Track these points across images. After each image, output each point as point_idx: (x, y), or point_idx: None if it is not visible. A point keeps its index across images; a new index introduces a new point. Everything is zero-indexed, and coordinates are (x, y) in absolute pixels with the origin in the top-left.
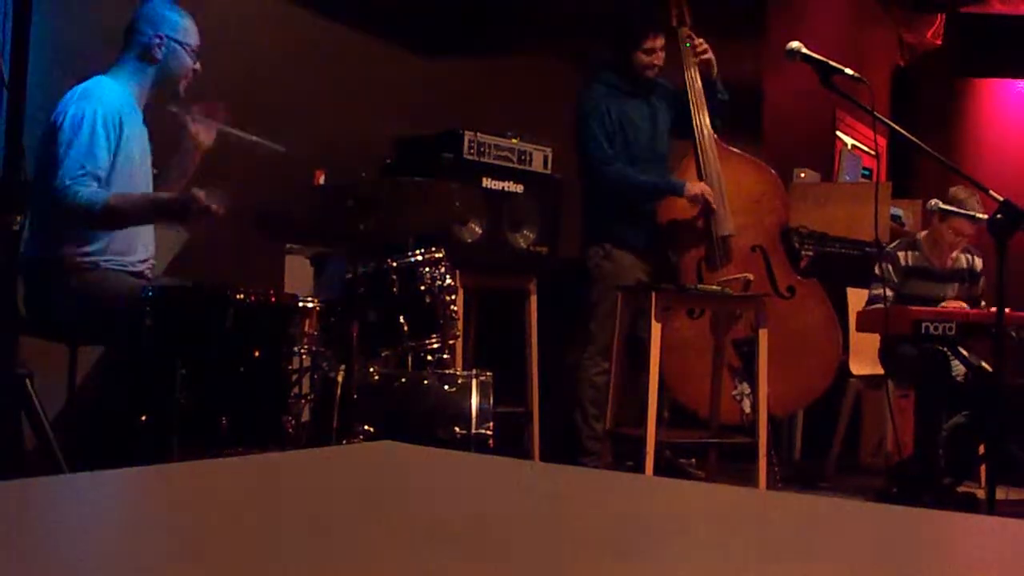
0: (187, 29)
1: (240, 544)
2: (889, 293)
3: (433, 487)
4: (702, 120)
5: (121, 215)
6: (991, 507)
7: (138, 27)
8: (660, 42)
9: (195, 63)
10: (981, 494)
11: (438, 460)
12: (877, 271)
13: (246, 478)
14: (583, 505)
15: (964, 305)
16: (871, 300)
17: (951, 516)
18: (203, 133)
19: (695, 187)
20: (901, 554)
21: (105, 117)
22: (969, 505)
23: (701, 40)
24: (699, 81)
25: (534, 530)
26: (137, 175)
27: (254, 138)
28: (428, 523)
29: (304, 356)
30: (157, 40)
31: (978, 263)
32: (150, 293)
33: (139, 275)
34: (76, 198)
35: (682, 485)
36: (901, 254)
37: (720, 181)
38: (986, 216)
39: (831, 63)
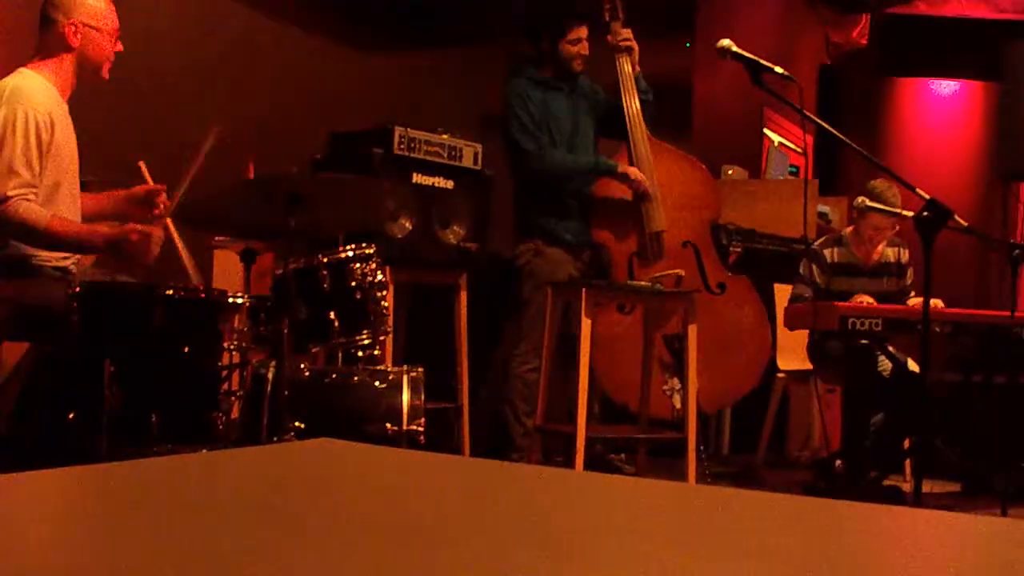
0: (103, 12)
1: (185, 543)
2: (808, 294)
3: (371, 484)
4: (632, 105)
5: (55, 241)
6: (918, 500)
7: (50, 15)
8: (584, 31)
9: (116, 45)
10: (906, 487)
11: (374, 457)
12: (802, 270)
13: (186, 476)
14: (523, 501)
15: (872, 300)
16: (793, 299)
17: (878, 509)
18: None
19: (628, 167)
20: (830, 546)
21: (37, 120)
22: (895, 498)
23: (628, 31)
24: (629, 67)
25: (473, 526)
26: (64, 173)
27: (181, 248)
28: (368, 519)
29: (234, 352)
30: (72, 28)
31: (904, 255)
32: (77, 289)
33: (64, 271)
34: (15, 214)
35: (617, 481)
36: (827, 251)
37: (652, 175)
38: (911, 213)
39: (761, 61)
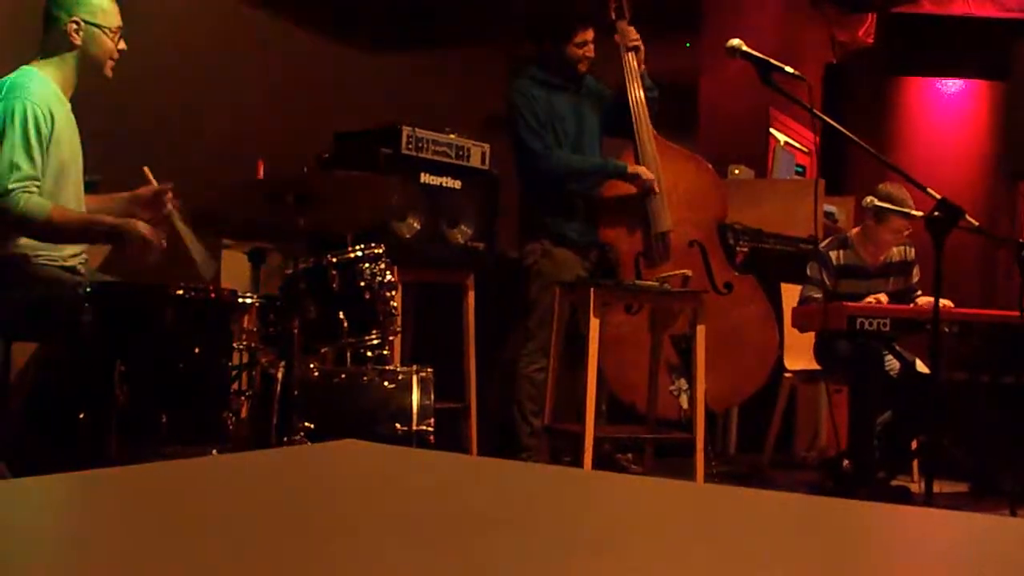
0: (106, 11)
1: (221, 545)
2: (818, 295)
3: (401, 485)
4: (638, 98)
5: (58, 231)
6: (929, 500)
7: (52, 13)
8: (591, 35)
9: (118, 44)
10: (914, 487)
11: (401, 458)
12: (810, 272)
13: (215, 479)
14: (560, 502)
15: (884, 298)
16: (803, 301)
17: (889, 508)
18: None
19: (638, 167)
20: (843, 546)
21: (36, 114)
22: (903, 498)
23: (633, 29)
24: (635, 64)
25: (510, 526)
26: (67, 171)
27: (190, 242)
28: (403, 520)
29: (243, 352)
30: (74, 25)
31: (910, 253)
32: (88, 289)
33: (71, 270)
34: (16, 206)
35: (662, 484)
36: (833, 253)
37: (659, 174)
38: (921, 213)
39: (771, 61)
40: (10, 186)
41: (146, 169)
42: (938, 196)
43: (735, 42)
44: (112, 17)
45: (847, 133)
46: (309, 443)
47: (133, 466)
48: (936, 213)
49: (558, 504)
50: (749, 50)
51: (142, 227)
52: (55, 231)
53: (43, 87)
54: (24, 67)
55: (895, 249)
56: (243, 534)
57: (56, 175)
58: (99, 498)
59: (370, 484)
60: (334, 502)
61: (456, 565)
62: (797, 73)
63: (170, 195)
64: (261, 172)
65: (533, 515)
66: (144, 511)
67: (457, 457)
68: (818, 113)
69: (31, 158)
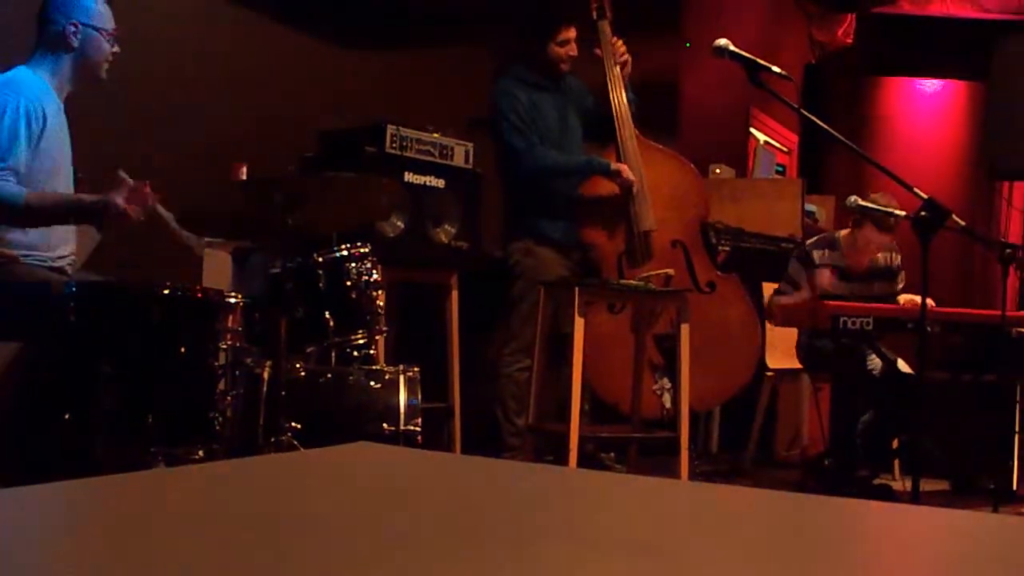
0: (102, 14)
1: (244, 551)
2: (789, 294)
3: (424, 487)
4: (620, 101)
5: (38, 214)
6: (915, 498)
7: (50, 16)
8: (573, 33)
9: (113, 47)
10: (897, 486)
11: (418, 460)
12: (790, 269)
13: (233, 484)
14: (585, 504)
15: (902, 298)
16: (774, 295)
17: (874, 505)
18: (133, 211)
19: (620, 164)
20: (832, 543)
21: (28, 110)
22: (885, 497)
23: (621, 43)
24: (618, 69)
25: (541, 529)
26: (58, 170)
27: (176, 226)
28: (442, 525)
29: (228, 352)
30: (72, 28)
31: (896, 259)
32: (73, 288)
33: (59, 270)
34: None
35: (655, 482)
36: (817, 253)
37: (641, 174)
38: (903, 213)
39: (759, 61)
40: None
41: (121, 172)
42: (925, 196)
43: (722, 42)
44: (108, 20)
45: (837, 135)
46: (297, 443)
47: (150, 471)
48: (923, 213)
49: (597, 507)
50: (737, 50)
51: (120, 200)
52: (34, 214)
53: (37, 86)
54: (19, 67)
55: (880, 255)
56: (273, 540)
57: (47, 174)
58: (119, 505)
59: (393, 487)
60: (361, 506)
61: (495, 569)
62: (784, 73)
63: (148, 189)
64: (240, 173)
65: (560, 517)
66: (166, 517)
67: (472, 459)
68: (807, 114)
69: (15, 152)
